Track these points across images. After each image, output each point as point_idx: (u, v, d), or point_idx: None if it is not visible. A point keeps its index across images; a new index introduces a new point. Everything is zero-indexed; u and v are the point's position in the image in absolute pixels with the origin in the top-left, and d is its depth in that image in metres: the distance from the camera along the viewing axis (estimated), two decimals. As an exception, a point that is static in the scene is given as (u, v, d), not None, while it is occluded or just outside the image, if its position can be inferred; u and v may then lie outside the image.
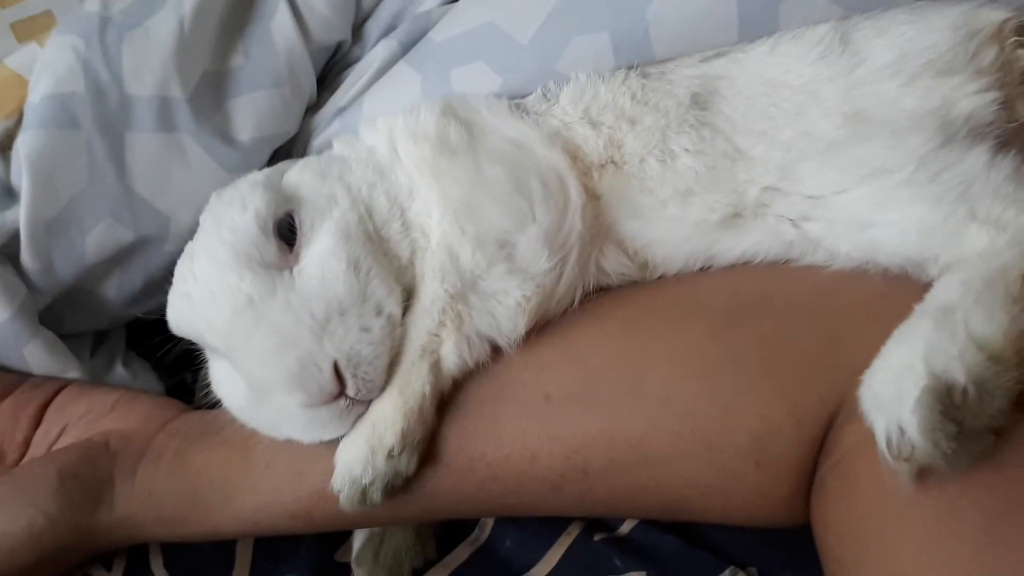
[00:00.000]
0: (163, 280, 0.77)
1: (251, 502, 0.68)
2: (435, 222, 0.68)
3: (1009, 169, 0.60)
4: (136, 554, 0.76)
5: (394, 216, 0.69)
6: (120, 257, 0.78)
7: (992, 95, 0.64)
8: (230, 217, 0.65)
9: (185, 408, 0.80)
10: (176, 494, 0.69)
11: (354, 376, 0.62)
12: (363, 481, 0.61)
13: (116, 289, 0.80)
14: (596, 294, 0.70)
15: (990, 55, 0.66)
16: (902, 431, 0.50)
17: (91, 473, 0.70)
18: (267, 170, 0.75)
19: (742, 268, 0.68)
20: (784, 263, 0.67)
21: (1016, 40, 0.66)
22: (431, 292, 0.65)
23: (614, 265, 0.70)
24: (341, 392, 0.62)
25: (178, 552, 0.76)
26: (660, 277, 0.71)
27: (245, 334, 0.61)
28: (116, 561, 0.75)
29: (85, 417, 0.76)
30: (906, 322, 0.55)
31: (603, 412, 0.63)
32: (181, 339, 0.71)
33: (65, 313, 0.80)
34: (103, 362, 0.83)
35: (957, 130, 0.62)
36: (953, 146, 0.61)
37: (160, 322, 0.71)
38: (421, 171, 0.69)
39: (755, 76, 0.69)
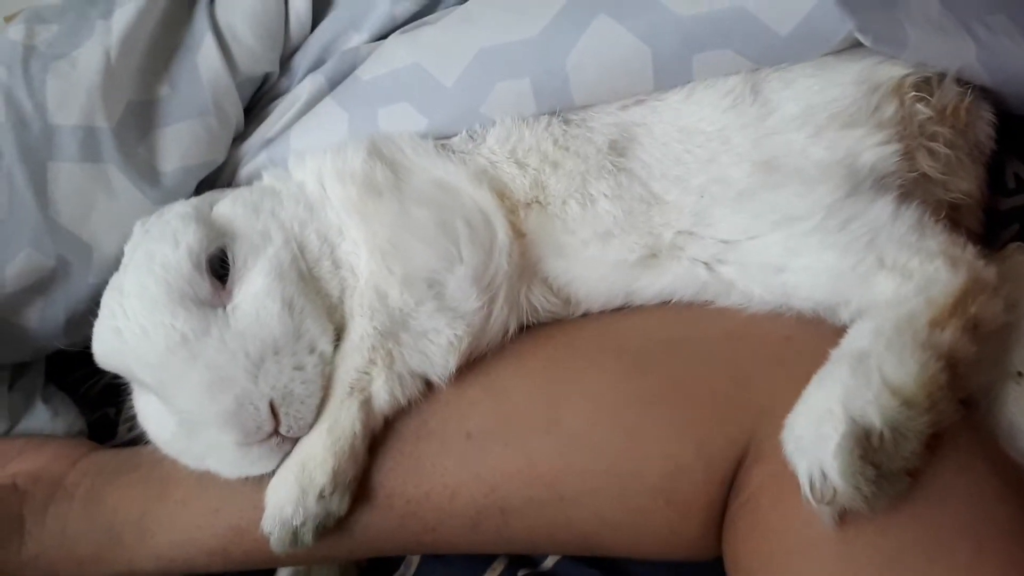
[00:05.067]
0: (87, 311, 0.76)
1: (168, 539, 0.68)
2: (363, 261, 0.69)
3: (913, 219, 0.62)
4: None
5: (324, 254, 0.70)
6: (41, 286, 0.77)
7: (894, 147, 0.67)
8: (162, 252, 0.65)
9: (95, 446, 0.80)
10: (91, 532, 0.69)
11: (287, 414, 0.63)
12: (294, 523, 0.62)
13: (38, 320, 0.79)
14: (523, 331, 0.72)
15: (891, 108, 0.68)
16: (824, 475, 0.51)
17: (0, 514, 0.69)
18: (195, 200, 0.75)
19: (659, 309, 0.70)
20: (702, 304, 0.69)
21: (915, 95, 0.69)
22: (360, 330, 0.67)
23: (541, 301, 0.72)
24: (275, 430, 0.63)
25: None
26: (584, 314, 0.73)
27: (179, 371, 0.62)
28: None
29: None
30: (824, 367, 0.57)
31: (521, 450, 0.64)
32: (105, 373, 0.71)
33: None
34: (22, 396, 0.82)
35: (862, 180, 0.65)
36: (859, 196, 0.64)
37: (82, 355, 0.71)
38: (349, 211, 0.70)
39: (670, 123, 0.72)
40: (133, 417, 0.73)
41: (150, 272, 0.65)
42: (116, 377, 0.72)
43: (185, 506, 0.68)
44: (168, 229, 0.67)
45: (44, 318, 0.79)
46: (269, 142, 0.82)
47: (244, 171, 0.83)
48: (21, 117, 0.73)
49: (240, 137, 0.86)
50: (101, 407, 0.89)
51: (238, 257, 0.67)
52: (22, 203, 0.73)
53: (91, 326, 0.69)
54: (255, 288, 0.66)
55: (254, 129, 0.85)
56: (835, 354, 0.58)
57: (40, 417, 0.82)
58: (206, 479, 0.66)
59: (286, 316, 0.65)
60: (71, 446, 0.77)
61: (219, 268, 0.66)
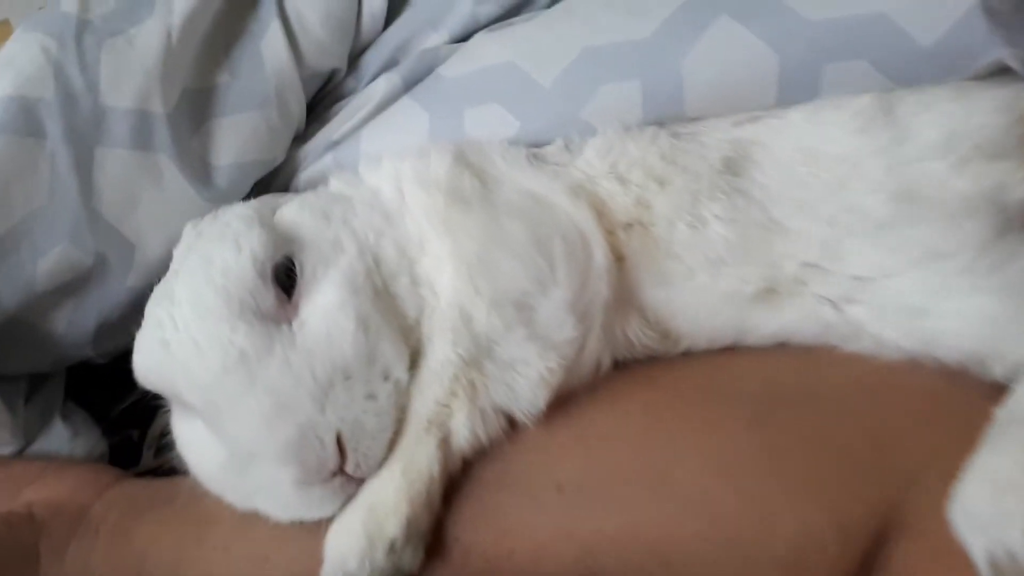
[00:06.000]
0: (121, 319, 0.71)
1: None
2: (447, 279, 0.61)
3: None
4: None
5: (402, 269, 0.63)
6: (74, 287, 0.70)
7: None
8: (222, 257, 0.58)
9: (122, 475, 0.72)
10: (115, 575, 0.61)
11: (355, 450, 0.55)
12: None
13: (65, 324, 0.71)
14: (613, 372, 0.64)
15: None
16: (1012, 555, 0.45)
17: (11, 546, 0.61)
18: (254, 203, 0.67)
19: (778, 352, 0.63)
20: (825, 349, 0.62)
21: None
22: (441, 356, 0.59)
23: (638, 335, 0.65)
24: (340, 468, 0.55)
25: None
26: (684, 353, 0.66)
27: (235, 394, 0.54)
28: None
29: (2, 486, 0.67)
30: (995, 429, 0.50)
31: (621, 508, 0.56)
32: (131, 392, 0.63)
33: (0, 350, 0.71)
34: (38, 412, 0.74)
35: (1012, 217, 0.59)
36: (1012, 235, 0.58)
37: (105, 369, 0.65)
38: (432, 222, 0.63)
39: (791, 143, 0.65)
40: (160, 441, 0.67)
41: (208, 279, 0.57)
42: (141, 396, 0.64)
43: (227, 552, 0.60)
44: (228, 232, 0.60)
45: (72, 323, 0.72)
46: (335, 144, 0.76)
47: (304, 175, 0.76)
48: (71, 95, 0.66)
49: (300, 138, 0.79)
50: (124, 429, 0.81)
51: (306, 267, 0.60)
52: (64, 189, 0.66)
53: (122, 336, 0.63)
54: (326, 302, 0.58)
55: (316, 131, 0.78)
56: (1004, 415, 0.52)
57: (58, 437, 0.74)
58: (253, 522, 0.58)
59: (360, 336, 0.57)
60: (97, 472, 0.69)
61: (284, 279, 0.59)
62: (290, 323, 0.58)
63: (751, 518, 0.54)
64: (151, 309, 0.60)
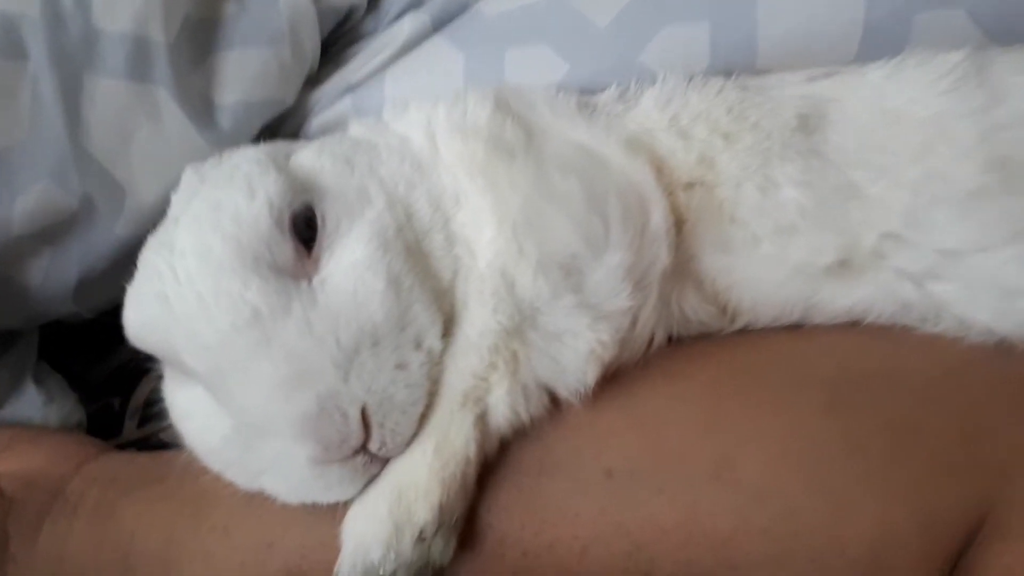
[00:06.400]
0: (105, 274, 0.65)
1: None
2: (487, 238, 0.55)
3: None
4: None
5: (436, 225, 0.56)
6: (55, 233, 0.63)
7: None
8: (233, 203, 0.51)
9: (105, 447, 0.66)
10: (98, 560, 0.56)
11: (381, 425, 0.49)
12: (381, 572, 0.48)
13: (43, 276, 0.64)
14: (666, 348, 0.58)
15: None
16: None
17: None
18: (265, 146, 0.60)
19: (851, 332, 0.57)
20: (903, 330, 0.56)
21: None
22: (480, 324, 0.52)
23: (694, 308, 0.58)
24: (363, 446, 0.49)
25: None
26: (742, 329, 0.60)
27: (246, 358, 0.48)
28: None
29: None
30: None
31: (679, 498, 0.51)
32: (113, 356, 0.55)
33: None
34: (8, 374, 0.68)
35: None
36: None
37: (85, 330, 0.60)
38: (471, 174, 0.56)
39: (871, 103, 0.59)
40: (146, 410, 0.62)
41: (216, 226, 0.50)
42: (125, 360, 0.56)
43: (227, 536, 0.54)
44: (239, 175, 0.53)
45: (51, 275, 0.65)
46: (353, 88, 0.69)
47: (317, 121, 0.70)
48: (58, 14, 0.59)
49: (312, 81, 0.72)
50: (103, 396, 0.74)
51: (329, 218, 0.53)
52: (48, 120, 0.59)
53: (105, 292, 0.59)
54: (353, 258, 0.51)
55: (331, 74, 0.71)
56: None
57: (30, 402, 0.68)
58: (257, 503, 0.52)
59: (391, 297, 0.51)
60: (74, 443, 0.63)
61: (303, 230, 0.52)
62: (310, 280, 0.51)
63: (825, 513, 0.50)
64: (148, 258, 0.53)
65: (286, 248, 0.50)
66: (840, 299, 0.58)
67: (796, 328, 0.59)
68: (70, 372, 0.73)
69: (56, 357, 0.74)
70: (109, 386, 0.73)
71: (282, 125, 0.71)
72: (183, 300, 0.49)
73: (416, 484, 0.48)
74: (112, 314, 0.55)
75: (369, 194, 0.54)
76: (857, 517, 0.49)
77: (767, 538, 0.50)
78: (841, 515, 0.49)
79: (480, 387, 0.51)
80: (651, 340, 0.57)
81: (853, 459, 0.51)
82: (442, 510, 0.48)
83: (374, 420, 0.48)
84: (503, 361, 0.52)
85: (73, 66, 0.60)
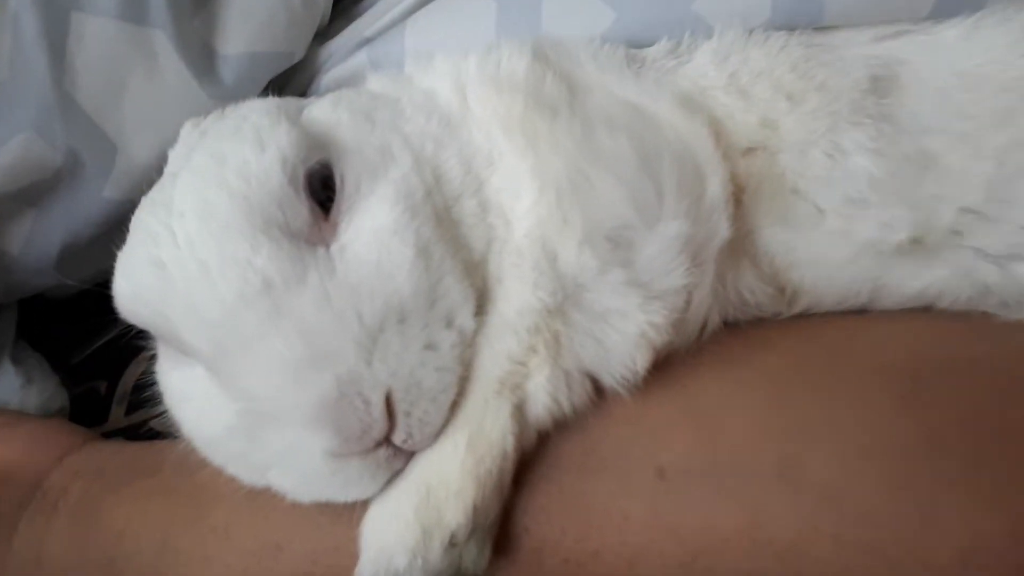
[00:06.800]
0: (93, 241, 0.60)
1: None
2: (525, 205, 0.49)
3: None
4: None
5: (468, 190, 0.50)
6: (36, 193, 0.58)
7: None
8: (240, 156, 0.45)
9: (89, 435, 0.62)
10: (80, 563, 0.52)
11: (407, 414, 0.44)
12: None
13: (23, 242, 0.60)
14: (719, 334, 0.53)
15: None
16: None
17: None
18: (275, 100, 0.54)
19: (925, 317, 0.53)
20: (981, 316, 0.52)
21: None
22: (518, 302, 0.47)
23: (752, 289, 0.53)
24: (386, 437, 0.43)
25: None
26: (800, 315, 0.55)
27: (254, 334, 0.43)
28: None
29: None
30: None
31: (741, 500, 0.46)
32: (99, 335, 0.56)
33: None
34: None
35: None
36: None
37: (70, 304, 0.55)
38: (508, 131, 0.51)
39: (945, 65, 0.54)
40: (135, 395, 0.58)
41: (221, 182, 0.45)
42: (113, 339, 0.57)
43: (227, 538, 0.50)
44: (247, 126, 0.48)
45: (32, 241, 0.60)
46: (368, 41, 0.64)
47: (329, 77, 0.65)
48: None
49: (322, 36, 0.67)
50: (88, 379, 0.68)
51: (348, 178, 0.47)
52: (30, 63, 0.54)
53: (92, 263, 0.55)
54: (377, 224, 0.46)
55: (343, 28, 0.66)
56: None
57: (7, 384, 0.63)
58: (263, 502, 0.48)
59: (420, 268, 0.45)
60: (56, 431, 0.59)
61: (319, 190, 0.47)
62: (327, 247, 0.45)
63: (906, 518, 0.45)
64: (142, 219, 0.48)
65: (301, 209, 0.45)
66: (911, 281, 0.53)
67: (861, 313, 0.54)
68: (52, 352, 0.68)
69: (36, 335, 0.68)
70: (94, 368, 0.68)
71: (289, 82, 0.66)
72: (182, 267, 0.44)
73: (447, 482, 0.43)
74: (99, 287, 0.49)
75: (393, 152, 0.49)
76: (943, 523, 0.44)
77: (839, 545, 0.45)
78: (925, 520, 0.44)
79: (518, 373, 0.46)
80: (704, 324, 0.51)
81: (935, 458, 0.46)
82: (476, 512, 0.43)
83: (399, 408, 0.43)
84: (543, 344, 0.46)
85: (60, 2, 0.54)
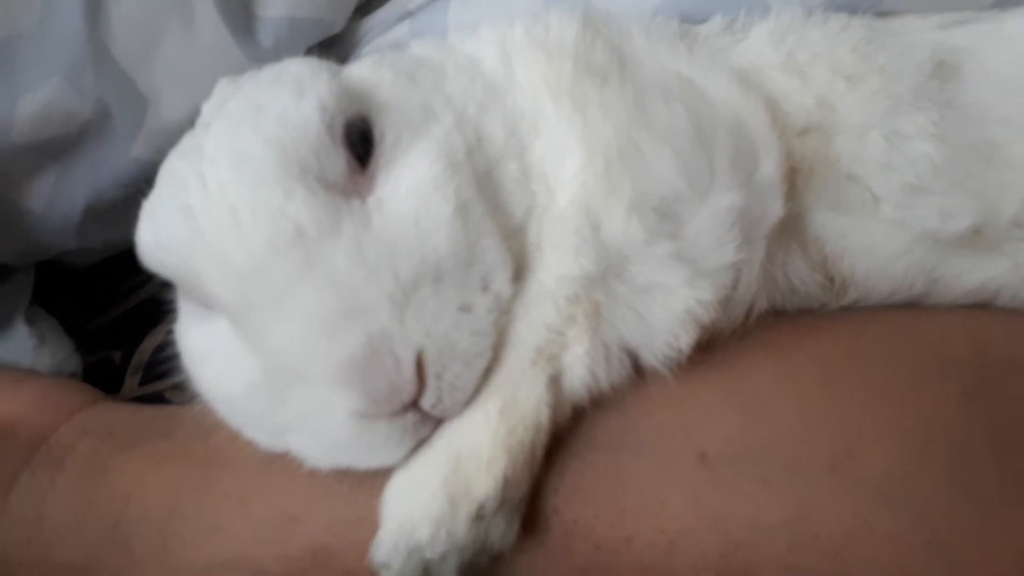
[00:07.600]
0: (117, 204, 0.58)
1: (206, 555, 0.47)
2: (571, 172, 0.47)
3: None
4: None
5: (510, 153, 0.48)
6: (62, 147, 0.56)
7: None
8: (279, 102, 0.43)
9: (101, 396, 0.60)
10: (84, 526, 0.49)
11: (439, 377, 0.41)
12: (428, 554, 0.40)
13: (45, 200, 0.58)
14: (767, 318, 0.50)
15: None
16: None
17: None
18: (316, 60, 0.52)
19: (984, 312, 0.51)
20: None
21: None
22: (558, 270, 0.45)
23: (802, 276, 0.51)
24: (415, 401, 0.41)
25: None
26: (850, 305, 0.52)
27: (284, 286, 0.41)
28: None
29: None
30: None
31: (786, 493, 0.44)
32: (118, 305, 0.51)
33: None
34: None
35: None
36: None
37: (87, 274, 0.55)
38: (556, 96, 0.49)
39: (1011, 55, 0.53)
40: (151, 368, 0.54)
41: (257, 128, 0.43)
42: (130, 308, 0.53)
43: (241, 506, 0.48)
44: (287, 75, 0.46)
45: (55, 200, 0.58)
46: (410, 15, 0.62)
47: (369, 49, 0.64)
48: None
49: (362, 10, 0.65)
50: (103, 348, 0.66)
51: (388, 132, 0.45)
52: (63, 9, 0.52)
53: (116, 228, 0.52)
54: (416, 178, 0.44)
55: (384, 2, 0.63)
56: None
57: (20, 343, 0.61)
58: (279, 467, 0.45)
59: (459, 226, 0.43)
60: (66, 390, 0.56)
61: (358, 143, 0.45)
62: (365, 200, 0.43)
63: (969, 520, 0.43)
64: (171, 165, 0.46)
65: (338, 160, 0.43)
66: (969, 275, 0.51)
67: (914, 305, 0.52)
68: (67, 321, 0.66)
69: (53, 303, 0.66)
70: (110, 337, 0.66)
71: (327, 55, 0.63)
72: (211, 214, 0.42)
73: (477, 451, 0.41)
74: (116, 259, 0.47)
75: (435, 110, 0.47)
76: (1007, 525, 0.42)
77: (893, 546, 0.42)
78: (989, 523, 0.42)
79: (555, 342, 0.43)
80: (751, 307, 0.49)
81: (1000, 458, 0.43)
82: (507, 484, 0.40)
83: (431, 370, 0.41)
84: (583, 314, 0.44)
85: None
